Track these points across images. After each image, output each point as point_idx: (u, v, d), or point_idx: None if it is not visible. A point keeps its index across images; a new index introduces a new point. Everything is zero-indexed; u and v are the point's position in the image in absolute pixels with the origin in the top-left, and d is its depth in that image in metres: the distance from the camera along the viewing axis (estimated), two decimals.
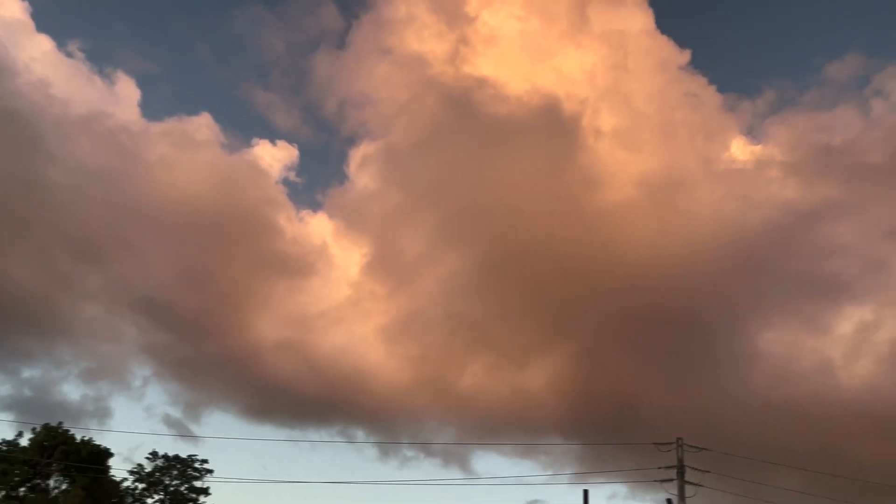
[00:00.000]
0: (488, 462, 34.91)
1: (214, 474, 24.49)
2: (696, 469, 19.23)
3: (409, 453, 30.62)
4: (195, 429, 32.36)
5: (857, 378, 28.39)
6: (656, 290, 31.55)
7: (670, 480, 18.01)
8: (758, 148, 33.36)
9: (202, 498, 24.39)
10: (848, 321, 28.80)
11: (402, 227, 36.34)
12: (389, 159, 36.98)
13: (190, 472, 24.47)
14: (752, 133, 33.39)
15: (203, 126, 40.98)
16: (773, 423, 26.02)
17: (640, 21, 34.65)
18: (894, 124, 29.82)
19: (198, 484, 24.32)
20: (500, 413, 32.72)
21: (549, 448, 28.78)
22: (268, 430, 35.98)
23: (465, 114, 35.47)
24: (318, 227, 40.08)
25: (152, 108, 53.54)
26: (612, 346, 31.74)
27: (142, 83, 46.73)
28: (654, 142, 34.54)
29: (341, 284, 37.81)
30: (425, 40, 36.27)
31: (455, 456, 29.77)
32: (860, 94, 30.34)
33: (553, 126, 35.92)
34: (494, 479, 33.73)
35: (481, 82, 35.69)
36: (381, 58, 37.52)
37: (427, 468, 31.28)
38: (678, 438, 20.40)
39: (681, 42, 33.73)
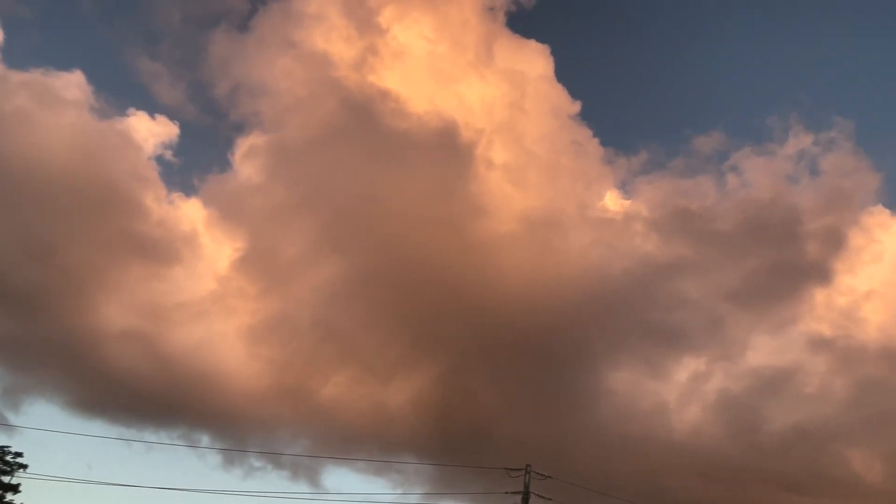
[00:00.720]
0: (339, 478, 34.13)
1: (29, 470, 22.03)
2: (540, 496, 20.15)
3: (257, 463, 29.18)
4: (13, 418, 28.67)
5: (686, 422, 31.08)
6: (522, 321, 32.86)
7: None
8: (627, 202, 36.01)
9: (9, 495, 21.75)
10: (684, 369, 31.54)
11: (281, 225, 35.10)
12: (278, 154, 35.67)
13: None
14: (625, 188, 36.04)
15: (73, 84, 37.16)
16: (614, 457, 27.85)
17: (541, 67, 36.39)
18: (744, 198, 33.46)
19: (6, 479, 21.71)
20: (357, 428, 32.28)
21: (403, 467, 28.76)
22: (99, 427, 32.65)
23: (362, 122, 35.20)
24: (190, 213, 37.44)
25: (17, 55, 47.81)
26: (475, 370, 32.48)
27: (9, 25, 41.53)
28: (538, 181, 36.14)
29: (207, 277, 35.54)
30: (333, 42, 35.69)
31: (305, 469, 28.80)
32: (718, 167, 33.84)
33: (448, 150, 36.56)
34: (342, 496, 33.01)
35: (384, 94, 35.68)
36: (283, 50, 36.33)
37: (274, 480, 29.91)
38: (527, 465, 21.27)
39: (574, 93, 36.09)
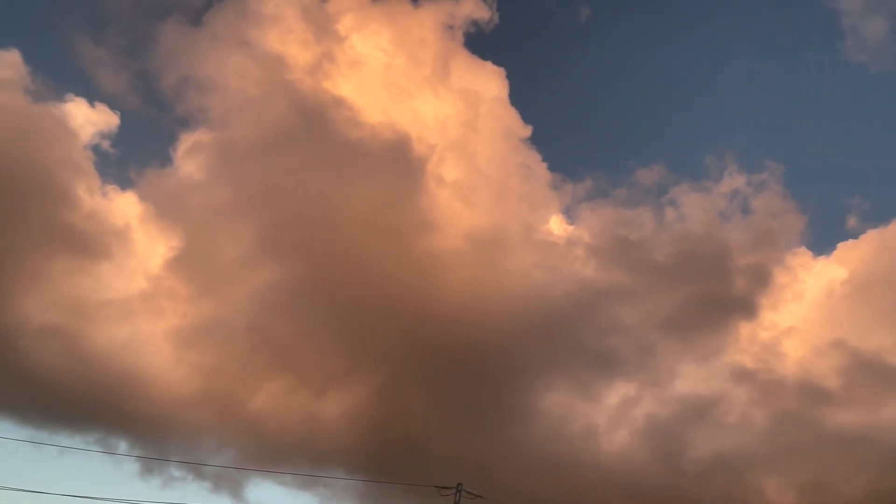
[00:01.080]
0: (264, 490, 32.91)
1: None
2: None
3: (177, 473, 27.83)
4: None
5: (614, 445, 31.69)
6: (462, 338, 32.89)
7: None
8: (571, 227, 36.74)
9: None
10: (615, 394, 32.20)
11: (222, 226, 34.03)
12: (224, 153, 34.70)
13: None
14: (569, 213, 36.83)
15: (8, 63, 35.13)
16: (544, 478, 28.05)
17: (496, 89, 36.88)
18: (680, 231, 34.71)
19: None
20: (287, 440, 31.35)
21: (331, 481, 28.07)
22: (7, 427, 30.43)
23: (314, 127, 34.76)
24: (124, 207, 35.74)
25: None
26: (412, 385, 32.22)
27: None
28: (487, 200, 36.40)
29: (137, 275, 33.97)
30: (289, 44, 35.18)
31: (228, 481, 27.67)
32: (658, 200, 35.05)
33: (399, 163, 36.46)
34: None
35: (338, 101, 35.37)
36: (237, 47, 35.51)
37: (194, 491, 28.54)
38: (458, 483, 21.24)
39: (526, 118, 36.74)
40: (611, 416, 31.47)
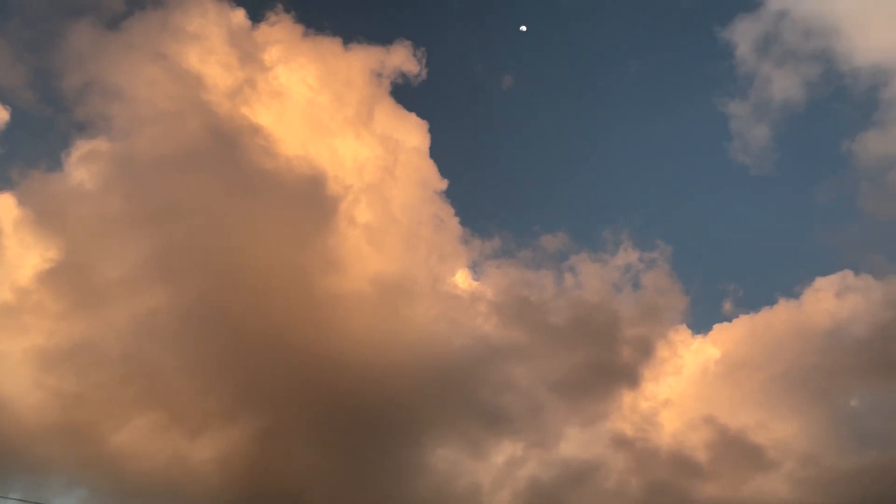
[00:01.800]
0: None
1: None
2: None
3: None
4: None
5: None
6: (354, 385, 31.74)
7: None
8: (476, 283, 37.01)
9: None
10: (502, 453, 31.92)
11: (108, 242, 31.52)
12: (122, 165, 32.53)
13: None
14: (475, 269, 37.18)
15: None
16: None
17: (417, 140, 37.26)
18: (576, 298, 35.78)
19: None
20: (149, 483, 28.54)
21: None
22: None
23: (225, 151, 33.42)
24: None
25: None
26: (295, 431, 30.49)
27: None
28: (396, 247, 36.09)
29: (2, 286, 30.68)
30: (209, 65, 34.07)
31: None
32: (559, 266, 36.19)
33: (312, 199, 35.65)
34: None
35: (255, 129, 34.35)
36: (153, 59, 33.94)
37: None
38: None
39: (444, 172, 37.20)
40: (496, 475, 31.07)
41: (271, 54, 36.32)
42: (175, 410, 29.62)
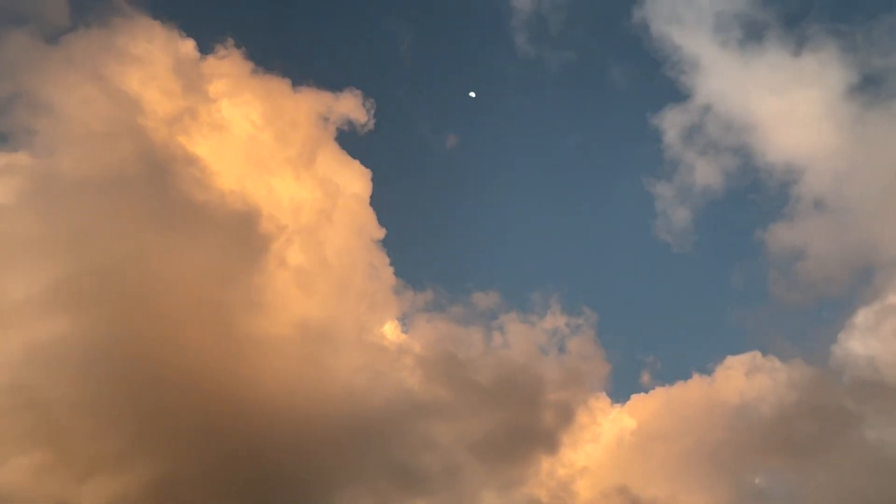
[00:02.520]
0: None
1: None
2: None
3: None
4: None
5: None
6: (266, 434, 30.14)
7: None
8: (404, 336, 36.42)
9: None
10: None
11: (16, 262, 29.41)
12: (42, 183, 30.80)
13: None
14: (405, 321, 36.66)
15: None
16: None
17: (359, 187, 37.09)
18: (503, 358, 35.71)
19: None
20: None
21: None
22: None
23: (156, 180, 32.22)
24: None
25: None
26: (196, 480, 28.43)
27: None
28: (326, 293, 35.26)
29: None
30: (150, 90, 33.22)
31: None
32: (489, 324, 36.26)
33: (242, 235, 34.63)
34: None
35: (190, 159, 33.41)
36: (91, 78, 32.84)
37: None
38: None
39: (382, 221, 37.21)
40: None
41: (217, 87, 35.84)
42: (64, 450, 27.25)
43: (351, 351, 35.11)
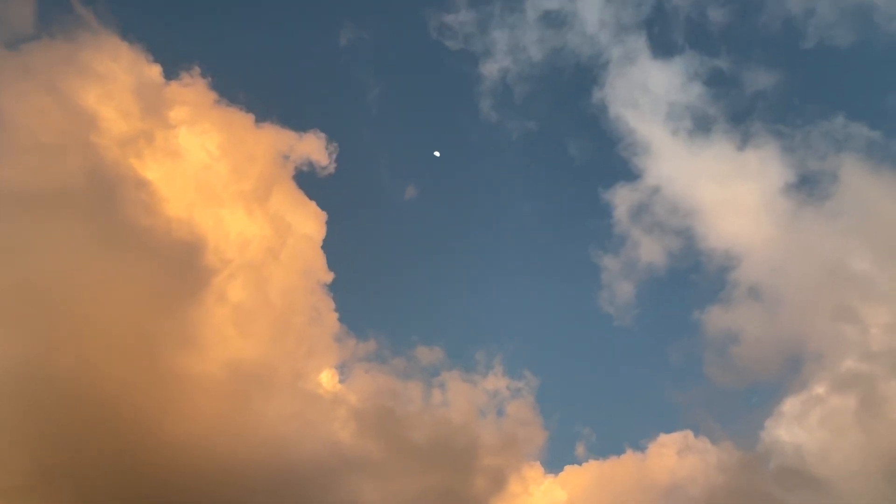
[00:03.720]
0: None
1: None
2: None
3: None
4: None
5: None
6: (184, 478, 28.42)
7: None
8: (341, 386, 35.32)
9: None
10: None
11: None
12: None
13: None
14: (344, 370, 35.71)
15: None
16: None
17: (312, 229, 36.58)
18: (441, 416, 34.96)
19: None
20: None
21: None
22: None
23: (102, 199, 31.14)
24: None
25: None
26: None
27: None
28: (264, 334, 34.10)
29: None
30: (107, 108, 32.48)
31: None
32: (430, 380, 35.58)
33: (185, 267, 33.52)
34: None
35: (140, 182, 32.50)
36: (45, 88, 31.96)
37: None
38: None
39: (332, 265, 36.58)
40: None
41: (177, 113, 35.24)
42: None
43: (283, 397, 33.77)
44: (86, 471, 27.74)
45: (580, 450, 36.36)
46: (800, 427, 33.34)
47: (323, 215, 36.51)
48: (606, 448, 36.25)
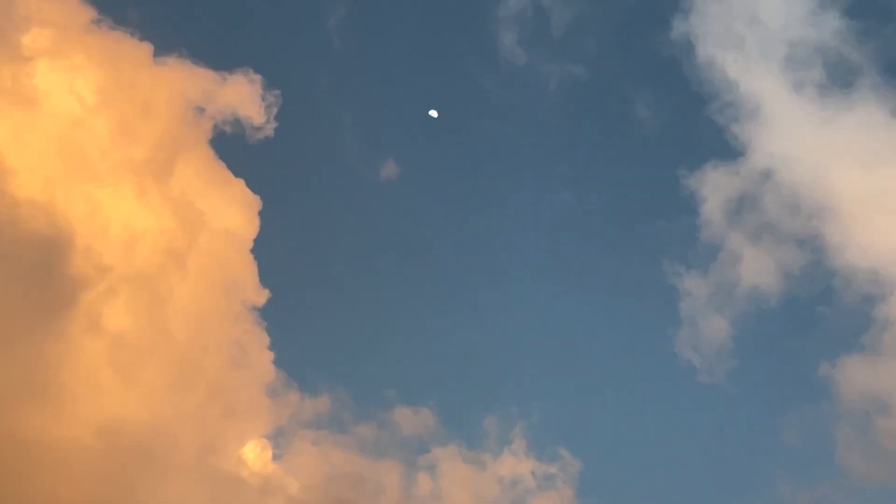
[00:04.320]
0: None
1: None
2: None
3: None
4: None
5: None
6: None
7: None
8: (275, 465, 24.79)
9: None
10: None
11: None
12: None
13: None
14: (280, 441, 24.68)
15: None
16: None
17: (237, 222, 26.84)
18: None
19: None
20: None
21: None
22: None
23: None
24: None
25: None
26: None
27: None
28: (157, 382, 24.80)
29: None
30: None
31: None
32: (415, 458, 26.84)
33: (37, 275, 24.42)
34: None
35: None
36: None
37: None
38: None
39: (266, 279, 25.91)
40: None
41: (34, 38, 24.52)
42: None
43: (186, 480, 24.23)
44: None
45: None
46: None
47: (255, 201, 25.59)
48: None
